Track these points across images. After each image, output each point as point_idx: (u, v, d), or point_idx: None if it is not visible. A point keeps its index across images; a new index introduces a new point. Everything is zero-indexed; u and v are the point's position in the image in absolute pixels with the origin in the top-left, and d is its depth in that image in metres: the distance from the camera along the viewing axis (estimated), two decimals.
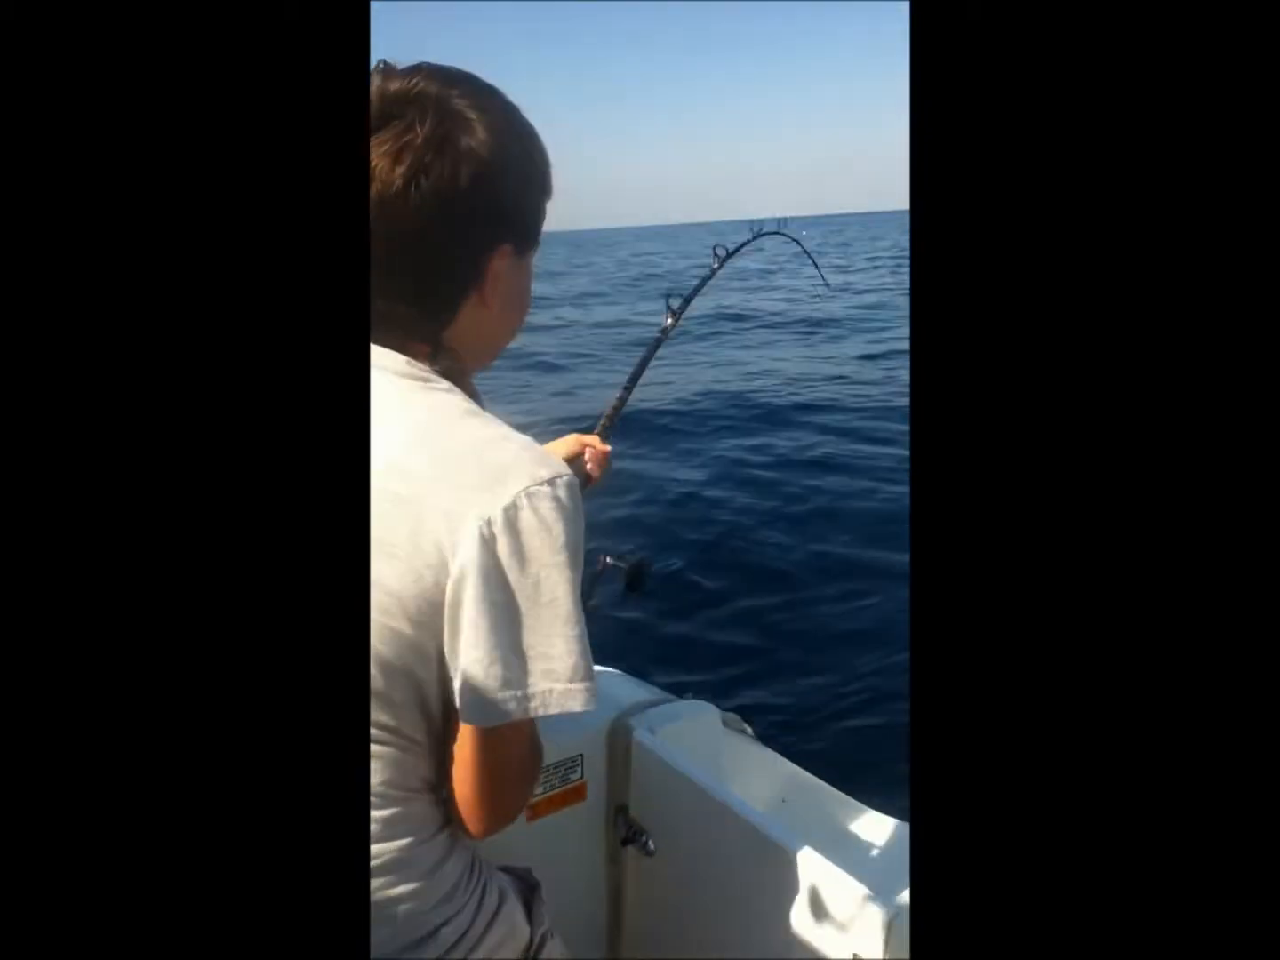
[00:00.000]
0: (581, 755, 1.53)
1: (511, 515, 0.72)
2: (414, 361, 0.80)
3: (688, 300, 1.57)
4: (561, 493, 0.74)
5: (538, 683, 0.73)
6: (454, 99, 0.76)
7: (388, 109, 0.75)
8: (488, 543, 0.71)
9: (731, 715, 1.92)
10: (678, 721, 1.65)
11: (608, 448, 1.28)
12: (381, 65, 0.77)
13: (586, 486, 1.24)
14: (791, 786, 1.96)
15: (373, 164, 0.73)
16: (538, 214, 0.85)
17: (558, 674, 0.73)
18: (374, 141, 0.74)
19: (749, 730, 2.01)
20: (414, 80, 0.76)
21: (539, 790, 1.48)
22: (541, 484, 0.73)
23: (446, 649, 0.75)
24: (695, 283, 1.59)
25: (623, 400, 1.41)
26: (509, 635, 0.72)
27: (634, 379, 1.45)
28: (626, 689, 1.75)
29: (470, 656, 0.72)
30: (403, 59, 0.79)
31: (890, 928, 1.17)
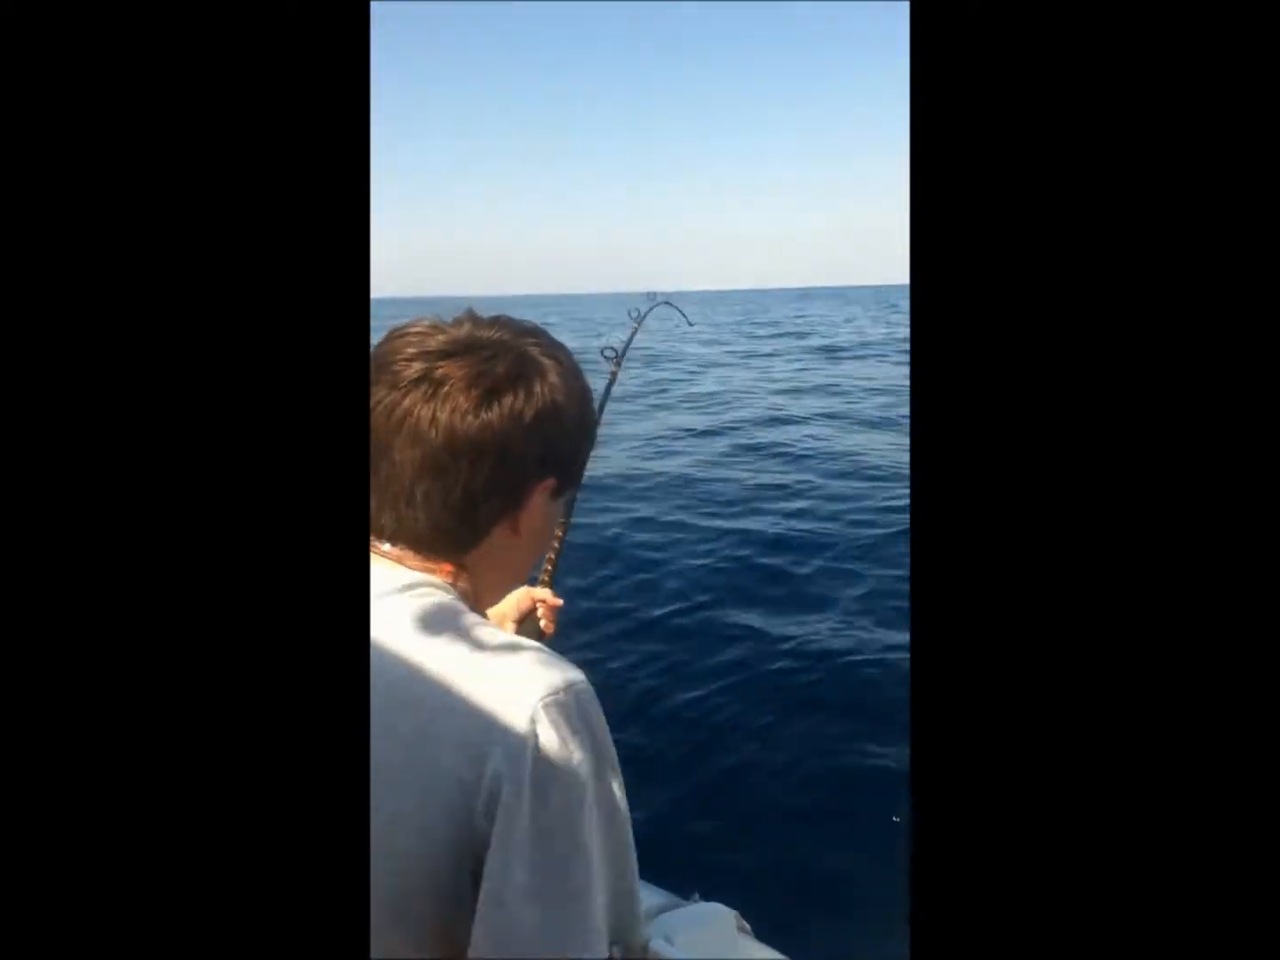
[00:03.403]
0: None
1: (538, 736, 0.70)
2: (433, 577, 0.81)
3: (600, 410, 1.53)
4: (585, 701, 0.74)
5: (559, 933, 0.69)
6: (531, 347, 0.84)
7: (470, 340, 0.81)
8: (515, 770, 0.69)
9: (736, 914, 1.83)
10: (694, 929, 1.56)
11: (559, 601, 1.28)
12: (469, 312, 0.86)
13: (542, 640, 1.21)
14: None
15: (450, 383, 0.78)
16: (584, 461, 0.91)
17: (586, 933, 0.70)
18: (455, 363, 0.79)
19: (749, 930, 1.92)
20: (495, 328, 0.84)
21: None
22: (557, 692, 0.72)
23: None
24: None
25: (562, 540, 1.38)
26: (537, 884, 0.68)
27: (567, 514, 1.40)
28: None
29: (493, 912, 0.68)
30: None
31: None
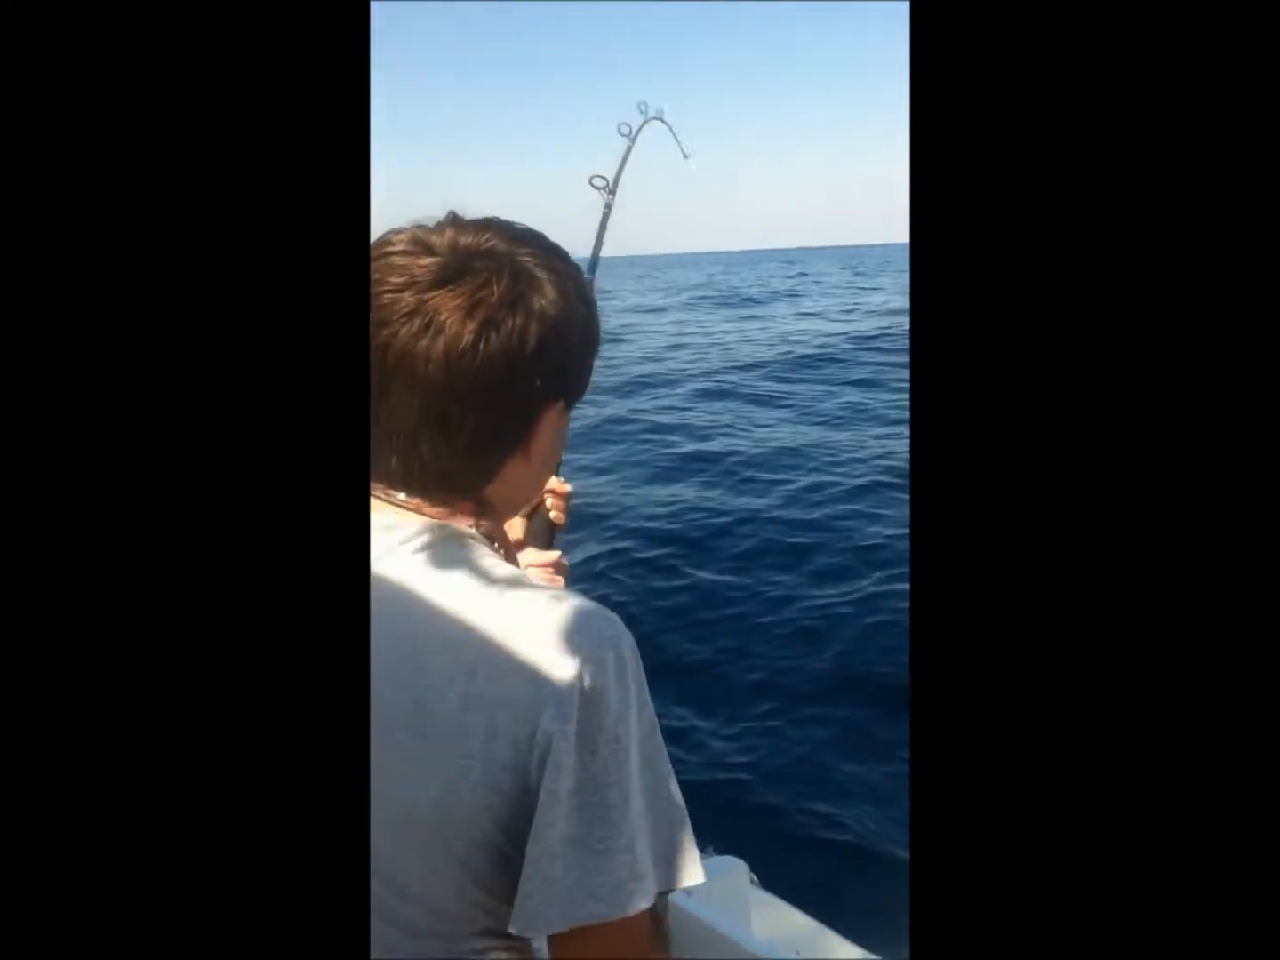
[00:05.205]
0: None
1: (583, 690, 0.70)
2: (457, 523, 0.80)
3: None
4: (626, 652, 0.73)
5: (611, 880, 0.70)
6: (525, 258, 0.77)
7: (460, 262, 0.75)
8: (564, 725, 0.70)
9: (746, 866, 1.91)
10: (709, 880, 1.63)
11: (568, 488, 1.22)
12: (452, 216, 0.79)
13: (556, 532, 1.18)
14: (802, 937, 1.95)
15: (444, 316, 0.73)
16: (590, 372, 0.86)
17: (633, 879, 0.71)
18: (447, 294, 0.73)
19: (757, 881, 2.00)
20: (485, 236, 0.78)
21: None
22: (602, 647, 0.72)
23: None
24: None
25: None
26: (583, 834, 0.70)
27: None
28: None
29: (542, 862, 0.70)
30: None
31: None
